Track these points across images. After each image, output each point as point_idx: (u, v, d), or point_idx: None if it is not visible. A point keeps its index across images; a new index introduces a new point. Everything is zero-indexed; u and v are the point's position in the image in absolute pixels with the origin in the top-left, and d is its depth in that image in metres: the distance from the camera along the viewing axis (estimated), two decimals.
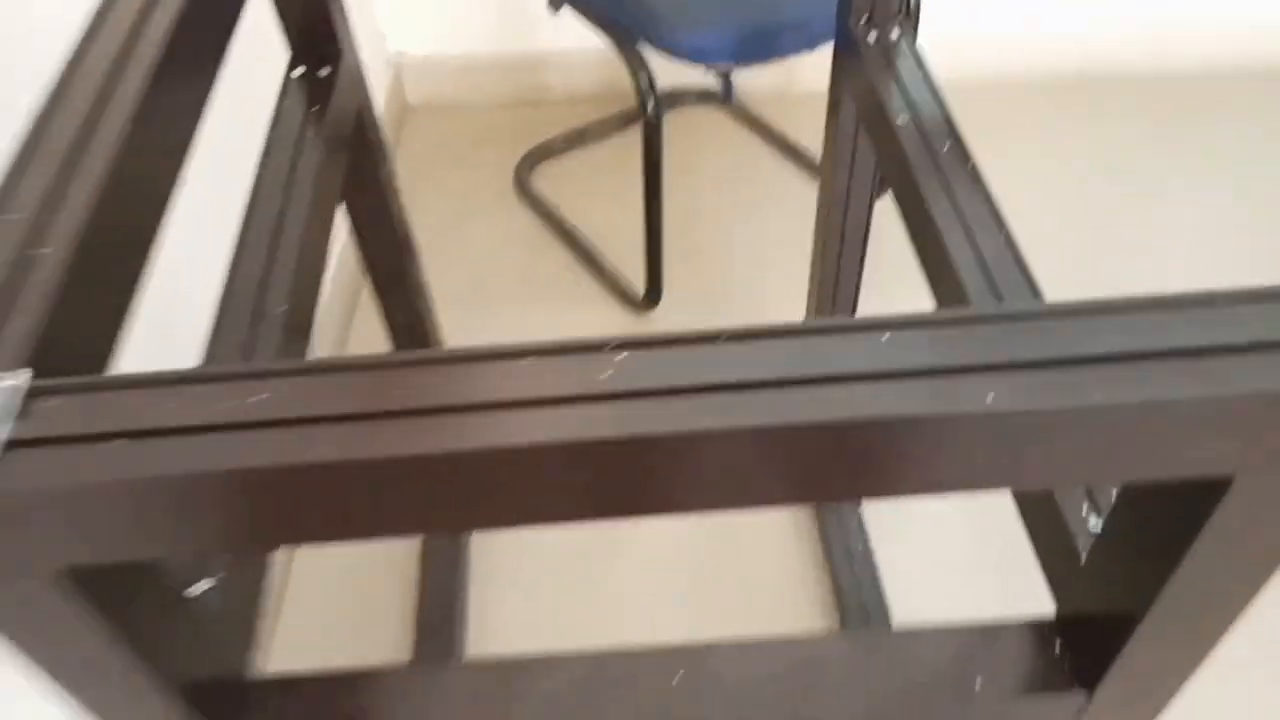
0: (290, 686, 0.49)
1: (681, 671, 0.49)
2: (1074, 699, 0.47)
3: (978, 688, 0.47)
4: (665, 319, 1.36)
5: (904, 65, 0.76)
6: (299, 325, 0.62)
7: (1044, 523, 0.50)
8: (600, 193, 1.54)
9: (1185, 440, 0.31)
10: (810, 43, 1.10)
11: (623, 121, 1.65)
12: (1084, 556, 0.46)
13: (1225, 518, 0.35)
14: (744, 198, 1.53)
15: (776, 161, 1.58)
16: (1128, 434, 0.30)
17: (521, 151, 1.59)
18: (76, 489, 0.31)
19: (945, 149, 0.68)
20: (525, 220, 1.51)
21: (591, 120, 1.65)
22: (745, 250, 1.44)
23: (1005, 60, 1.70)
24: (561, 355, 0.33)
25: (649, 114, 1.10)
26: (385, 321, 0.99)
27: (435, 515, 0.33)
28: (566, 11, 1.20)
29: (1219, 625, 0.41)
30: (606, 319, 1.36)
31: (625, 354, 0.33)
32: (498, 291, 1.40)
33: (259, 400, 0.32)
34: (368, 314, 1.37)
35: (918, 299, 1.27)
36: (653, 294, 1.35)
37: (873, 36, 0.79)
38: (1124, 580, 0.42)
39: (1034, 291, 0.58)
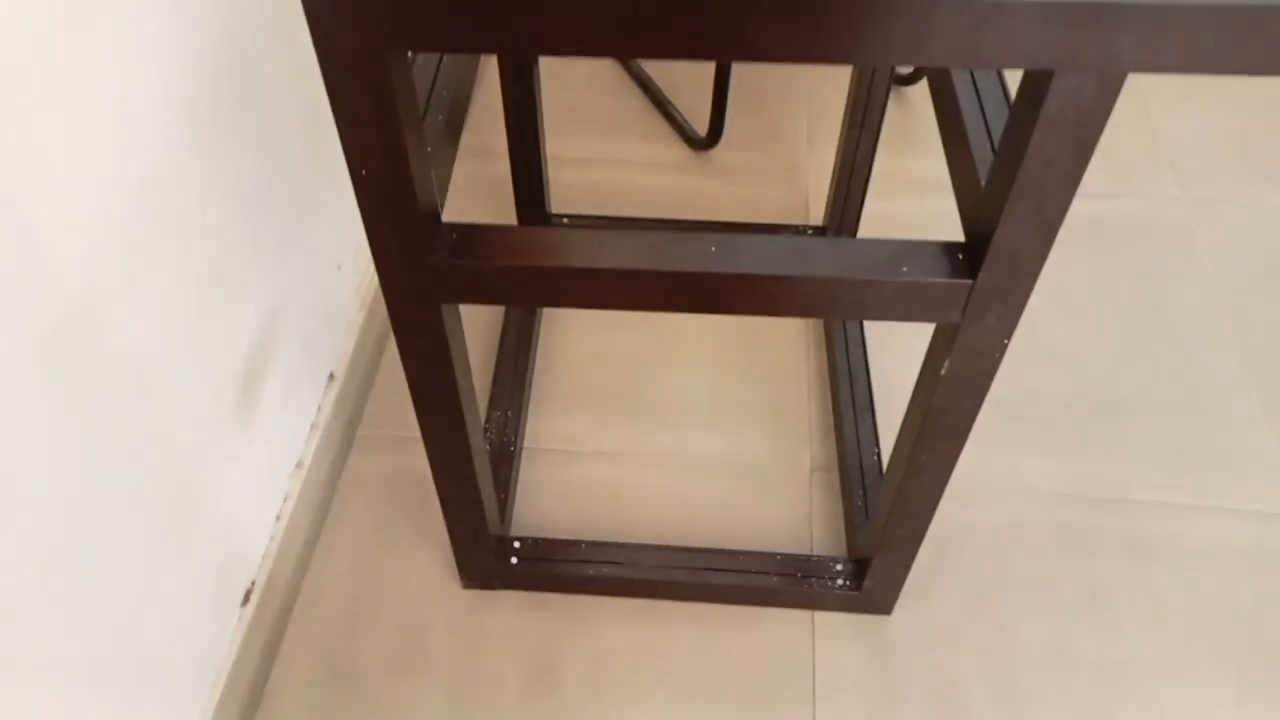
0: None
1: (713, 247, 0.74)
2: (964, 284, 0.72)
3: (904, 270, 0.72)
4: (719, 157, 1.60)
5: None
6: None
7: (961, 169, 0.74)
8: None
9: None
10: None
11: None
12: (984, 182, 0.70)
13: (1051, 107, 0.59)
14: (805, 73, 1.76)
15: None
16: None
17: None
18: None
19: None
20: (610, 68, 1.76)
21: None
22: (800, 112, 1.68)
23: None
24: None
25: None
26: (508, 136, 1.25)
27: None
28: None
29: (1057, 209, 0.65)
30: (670, 153, 1.61)
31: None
32: (585, 124, 1.65)
33: None
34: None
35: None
36: (713, 136, 1.59)
37: None
38: (999, 187, 0.67)
39: None
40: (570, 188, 1.55)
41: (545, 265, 0.73)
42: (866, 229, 1.39)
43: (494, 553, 1.07)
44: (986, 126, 0.75)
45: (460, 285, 0.75)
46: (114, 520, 0.76)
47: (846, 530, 1.16)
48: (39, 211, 0.64)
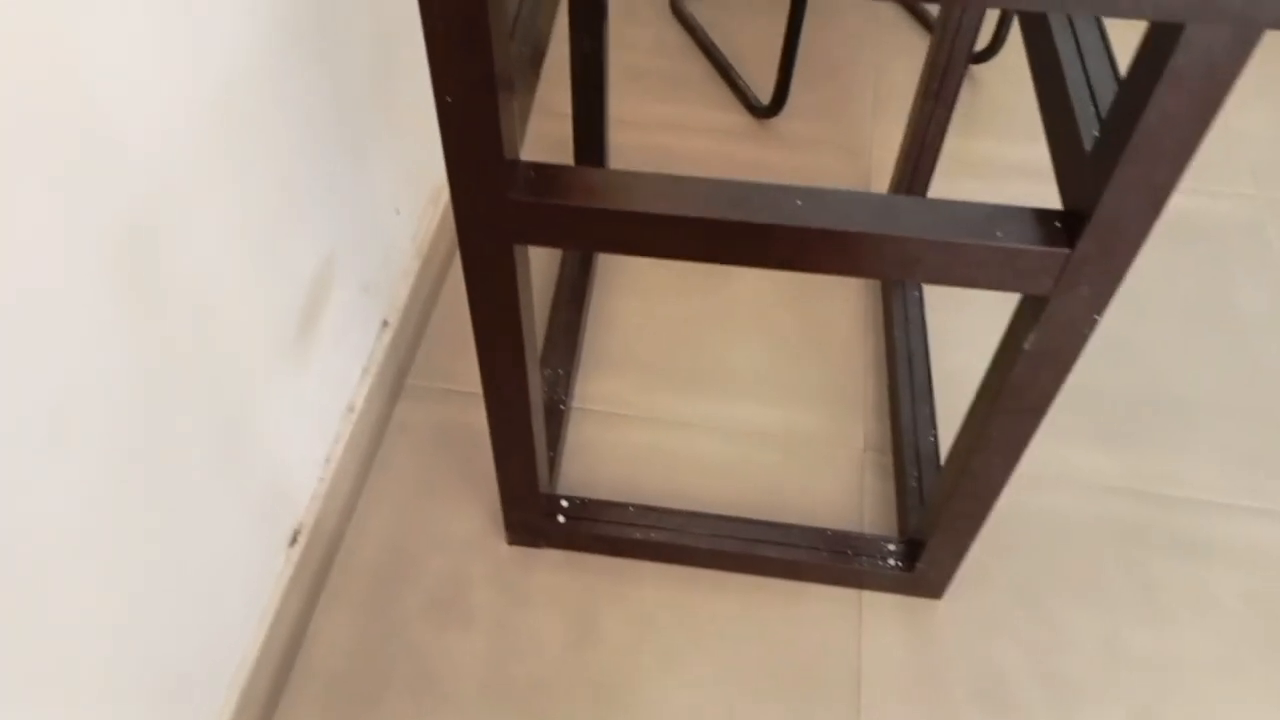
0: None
1: (798, 200, 0.72)
2: (1061, 253, 0.69)
3: (998, 235, 0.69)
4: (781, 126, 1.57)
5: None
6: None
7: (1061, 131, 0.71)
8: (744, 20, 1.75)
9: None
10: None
11: None
12: (1088, 144, 0.68)
13: (1179, 62, 0.56)
14: (867, 42, 1.72)
15: (898, 13, 1.77)
16: None
17: None
18: None
19: None
20: (675, 33, 1.73)
21: None
22: (865, 85, 1.64)
23: None
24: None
25: None
26: (572, 91, 1.22)
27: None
28: None
29: (1170, 174, 0.62)
30: (731, 120, 1.58)
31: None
32: (647, 86, 1.63)
33: None
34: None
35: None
36: (776, 104, 1.56)
37: None
38: (1108, 150, 0.64)
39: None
40: (629, 149, 1.52)
41: (626, 210, 0.71)
42: None
43: (541, 510, 1.06)
44: (1090, 85, 0.71)
45: (538, 225, 0.73)
46: (175, 443, 0.75)
47: (898, 513, 1.13)
48: (117, 112, 0.63)
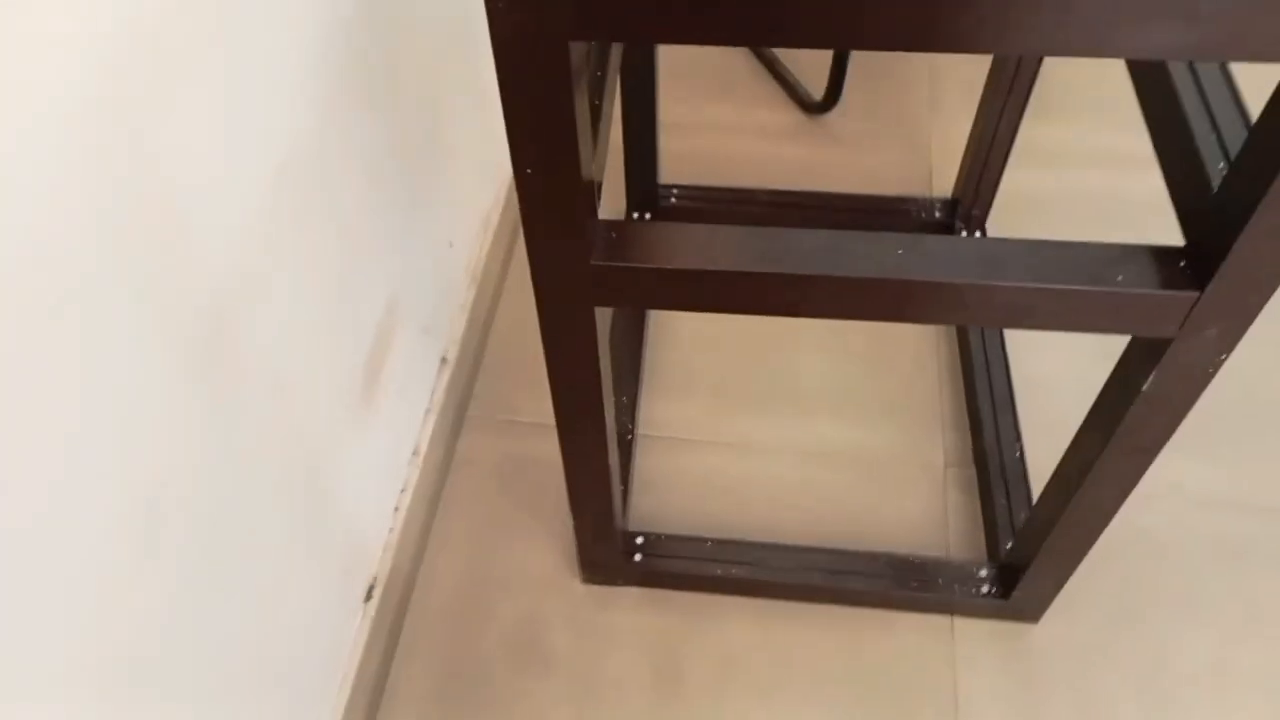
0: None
1: (900, 250, 0.67)
2: (1189, 296, 0.64)
3: (1119, 280, 0.65)
4: (834, 124, 1.51)
5: None
6: None
7: (1181, 166, 0.66)
8: None
9: None
10: None
11: None
12: (1215, 182, 0.62)
13: None
14: None
15: None
16: None
17: None
18: None
19: None
20: None
21: None
22: (920, 82, 1.58)
23: None
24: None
25: None
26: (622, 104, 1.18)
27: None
28: None
29: None
30: (783, 118, 1.53)
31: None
32: (695, 88, 1.57)
33: None
34: None
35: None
36: (830, 100, 1.50)
37: None
38: (1244, 189, 0.59)
39: None
40: (678, 155, 1.47)
41: (714, 269, 0.67)
42: (1001, 206, 1.30)
43: (617, 549, 1.03)
44: (1213, 119, 0.66)
45: (620, 288, 0.69)
46: (251, 523, 0.73)
47: (986, 530, 1.09)
48: (194, 210, 0.59)
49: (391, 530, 1.02)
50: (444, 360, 1.14)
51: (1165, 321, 0.66)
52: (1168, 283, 0.64)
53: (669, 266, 0.67)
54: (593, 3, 0.52)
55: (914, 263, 0.66)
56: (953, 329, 1.27)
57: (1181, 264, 0.65)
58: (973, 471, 1.14)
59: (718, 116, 1.53)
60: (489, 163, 1.25)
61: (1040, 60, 1.12)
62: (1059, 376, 1.21)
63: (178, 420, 0.61)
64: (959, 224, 1.32)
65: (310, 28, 0.72)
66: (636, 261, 0.68)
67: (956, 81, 1.57)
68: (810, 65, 1.56)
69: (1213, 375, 0.70)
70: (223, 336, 0.65)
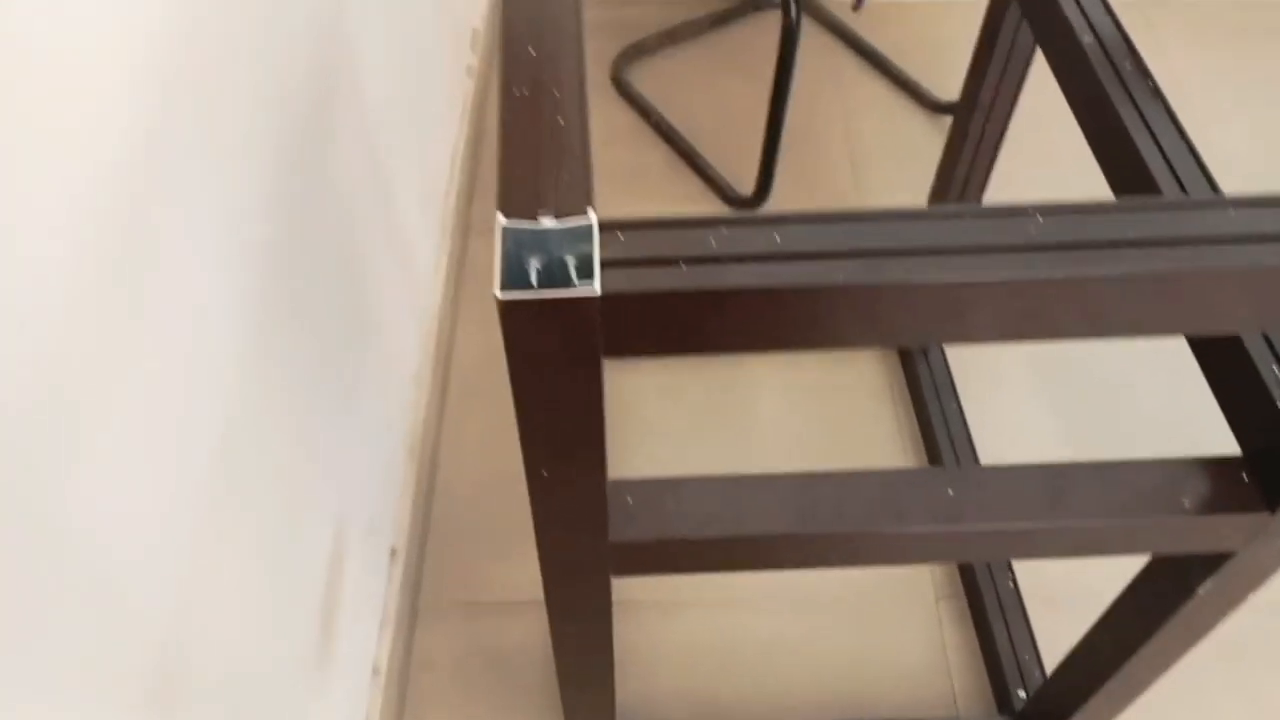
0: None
1: (950, 489, 0.60)
2: (1260, 517, 0.59)
3: (1185, 505, 0.60)
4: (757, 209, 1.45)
5: None
6: None
7: (1234, 376, 0.61)
8: (695, 91, 1.61)
9: None
10: None
11: (712, 22, 1.71)
12: (1277, 396, 0.58)
13: None
14: (830, 103, 1.61)
15: (858, 68, 1.66)
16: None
17: (615, 49, 1.65)
18: (650, 295, 0.41)
19: (1127, 67, 0.78)
20: (623, 116, 1.58)
21: (682, 20, 1.71)
22: (839, 152, 1.53)
23: None
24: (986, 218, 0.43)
25: (791, 19, 1.18)
26: None
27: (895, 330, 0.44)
28: None
29: None
30: (707, 210, 1.46)
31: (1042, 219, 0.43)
32: (604, 183, 1.48)
33: (773, 238, 0.42)
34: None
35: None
36: (761, 193, 1.43)
37: None
38: None
39: (1211, 184, 0.69)
40: None
41: (748, 535, 0.59)
42: None
43: None
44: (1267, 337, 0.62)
45: (639, 560, 0.61)
46: None
47: (989, 672, 1.04)
48: (117, 550, 0.48)
49: None
50: (393, 552, 1.02)
51: (1230, 539, 0.61)
52: (1238, 504, 0.60)
53: (697, 536, 0.59)
54: (628, 329, 0.43)
55: (968, 502, 0.60)
56: (917, 431, 1.22)
57: (1244, 477, 0.61)
58: (964, 602, 1.09)
59: (634, 214, 1.45)
60: (412, 309, 1.13)
61: (1002, 136, 1.08)
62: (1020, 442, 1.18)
63: None
64: None
65: (226, 276, 0.61)
66: (659, 534, 0.59)
67: (876, 148, 1.53)
68: (724, 146, 1.50)
69: (1274, 574, 0.66)
70: (172, 668, 0.53)
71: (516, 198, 0.43)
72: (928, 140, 1.55)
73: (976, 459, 1.15)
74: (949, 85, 1.59)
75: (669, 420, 1.24)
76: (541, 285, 0.42)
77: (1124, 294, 0.43)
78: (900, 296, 0.43)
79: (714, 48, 1.69)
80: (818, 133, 1.57)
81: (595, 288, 0.41)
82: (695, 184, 1.49)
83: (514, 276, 0.42)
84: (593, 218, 0.43)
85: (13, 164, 0.39)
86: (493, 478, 1.18)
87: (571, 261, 0.42)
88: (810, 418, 1.24)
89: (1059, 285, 0.42)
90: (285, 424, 0.71)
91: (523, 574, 1.10)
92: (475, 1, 1.55)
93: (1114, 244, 0.43)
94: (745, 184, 1.46)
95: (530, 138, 0.46)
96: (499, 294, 0.41)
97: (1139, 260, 0.43)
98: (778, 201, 1.46)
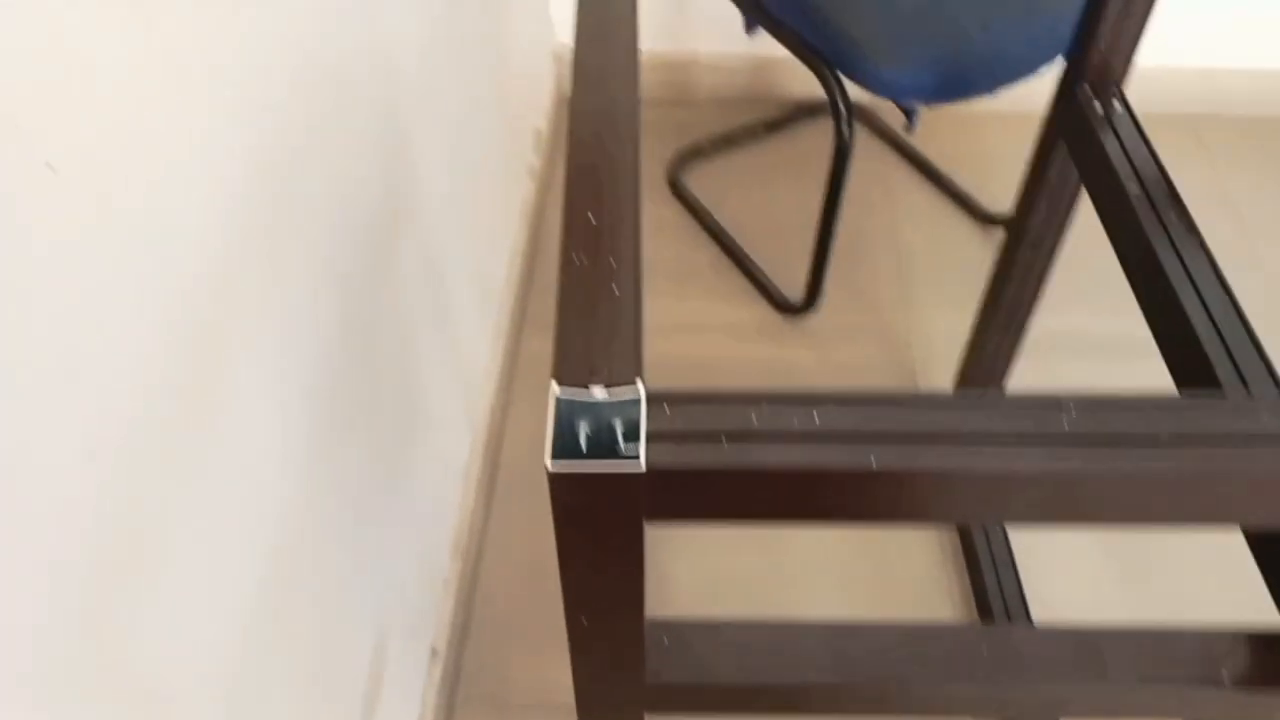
0: None
1: (984, 648, 0.61)
2: None
3: (1225, 676, 0.59)
4: (818, 324, 1.47)
5: (1124, 131, 0.87)
6: None
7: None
8: (747, 195, 1.65)
9: None
10: (1004, 84, 1.20)
11: (767, 127, 1.76)
12: None
13: None
14: (879, 210, 1.63)
15: (909, 176, 1.69)
16: None
17: (671, 148, 1.70)
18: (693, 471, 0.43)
19: (1173, 219, 0.79)
20: (676, 214, 1.62)
21: (737, 125, 1.76)
22: (888, 261, 1.55)
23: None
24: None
25: (844, 136, 1.21)
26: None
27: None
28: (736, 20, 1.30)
29: None
30: (760, 318, 1.48)
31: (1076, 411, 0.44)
32: (653, 283, 1.52)
33: (812, 418, 0.44)
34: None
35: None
36: (810, 300, 1.45)
37: (1096, 103, 0.89)
38: None
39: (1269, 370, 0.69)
40: (647, 361, 1.41)
41: (789, 684, 0.60)
42: None
43: None
44: None
45: (678, 703, 0.62)
46: None
47: None
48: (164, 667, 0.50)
49: None
50: (434, 652, 1.04)
51: (1272, 716, 0.61)
52: (1277, 681, 0.59)
53: (736, 683, 0.60)
54: (671, 499, 0.45)
55: (1002, 662, 0.60)
56: (962, 562, 1.21)
57: None
58: None
59: (682, 315, 1.47)
60: (464, 405, 1.16)
61: (1051, 261, 1.09)
62: (1074, 598, 1.17)
63: None
64: None
65: (284, 388, 0.64)
66: (695, 678, 0.60)
67: (926, 259, 1.55)
68: (774, 251, 1.53)
69: None
70: None
71: (570, 367, 0.46)
72: (977, 251, 1.56)
73: (1026, 609, 1.14)
74: (1000, 196, 1.61)
75: (717, 544, 1.25)
76: (590, 454, 0.44)
77: (1158, 488, 0.44)
78: (933, 482, 0.44)
79: (768, 153, 1.73)
80: (867, 239, 1.59)
81: (641, 464, 0.43)
82: (744, 286, 1.52)
83: (565, 446, 0.44)
84: (641, 390, 0.45)
85: (108, 304, 0.43)
86: (535, 573, 1.19)
87: (619, 429, 0.44)
88: (858, 555, 1.25)
89: (1090, 478, 0.44)
90: (334, 531, 0.73)
91: (560, 674, 1.10)
92: (539, 103, 1.61)
93: (1149, 440, 0.44)
94: (793, 288, 1.48)
95: (586, 307, 0.48)
96: (550, 465, 0.43)
97: (1172, 456, 0.44)
98: (826, 311, 1.48)
